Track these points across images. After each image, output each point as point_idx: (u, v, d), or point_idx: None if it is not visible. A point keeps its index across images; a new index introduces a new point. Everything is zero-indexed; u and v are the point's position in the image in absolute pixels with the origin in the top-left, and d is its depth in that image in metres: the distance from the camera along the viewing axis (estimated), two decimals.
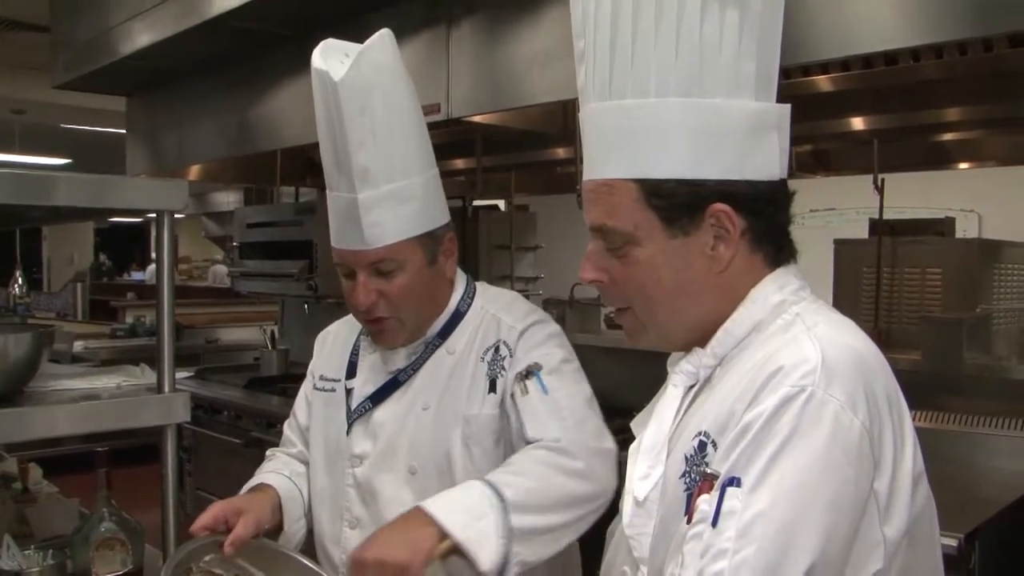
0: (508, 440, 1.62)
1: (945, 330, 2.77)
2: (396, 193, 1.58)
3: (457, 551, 1.36)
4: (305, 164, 5.02)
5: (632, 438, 1.21)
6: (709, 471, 0.99)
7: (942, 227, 3.22)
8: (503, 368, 1.63)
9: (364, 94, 1.54)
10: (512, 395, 1.60)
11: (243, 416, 3.89)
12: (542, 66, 2.57)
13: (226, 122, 4.20)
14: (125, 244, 18.24)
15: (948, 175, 4.72)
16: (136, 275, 15.86)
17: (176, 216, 1.61)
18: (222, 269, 13.08)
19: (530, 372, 1.59)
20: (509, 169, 4.48)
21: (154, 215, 1.57)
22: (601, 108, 1.11)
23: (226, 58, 4.02)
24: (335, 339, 1.87)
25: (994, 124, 3.22)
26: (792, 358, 0.98)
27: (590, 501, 1.50)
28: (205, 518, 1.52)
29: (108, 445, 1.69)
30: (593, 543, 1.44)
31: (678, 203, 1.06)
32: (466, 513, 1.38)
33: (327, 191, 1.65)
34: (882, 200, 3.09)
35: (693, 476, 1.03)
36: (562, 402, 1.57)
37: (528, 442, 1.55)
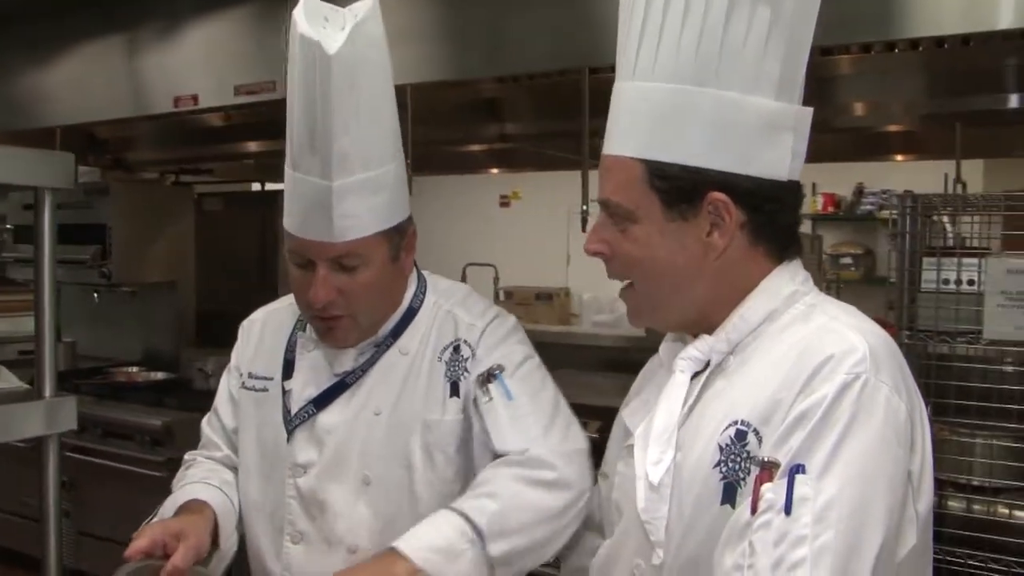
0: (470, 444, 1.54)
1: None
2: (370, 182, 1.46)
3: None
4: (86, 142, 4.65)
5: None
6: (768, 459, 1.01)
7: None
8: (465, 370, 1.54)
9: (355, 71, 1.40)
10: (475, 400, 1.53)
11: None
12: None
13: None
14: None
15: None
16: None
17: None
18: None
19: (492, 375, 1.52)
20: None
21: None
22: (623, 87, 1.14)
23: (5, 20, 3.63)
24: (264, 330, 1.70)
25: None
26: (840, 346, 1.03)
27: (568, 509, 1.44)
28: (142, 541, 1.37)
29: None
30: None
31: (679, 188, 1.09)
32: (444, 553, 1.34)
33: (288, 170, 1.48)
34: None
35: (732, 465, 1.05)
36: (526, 407, 1.50)
37: (496, 455, 1.49)
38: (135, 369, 4.15)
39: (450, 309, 1.61)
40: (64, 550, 3.50)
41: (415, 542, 1.36)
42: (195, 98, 3.09)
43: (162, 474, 3.16)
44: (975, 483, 2.04)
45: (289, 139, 1.48)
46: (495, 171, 5.05)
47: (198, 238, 4.24)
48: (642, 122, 1.11)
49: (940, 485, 2.04)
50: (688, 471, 1.10)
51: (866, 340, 1.04)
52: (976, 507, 2.03)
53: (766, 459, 1.01)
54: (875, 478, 0.98)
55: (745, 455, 1.05)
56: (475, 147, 4.12)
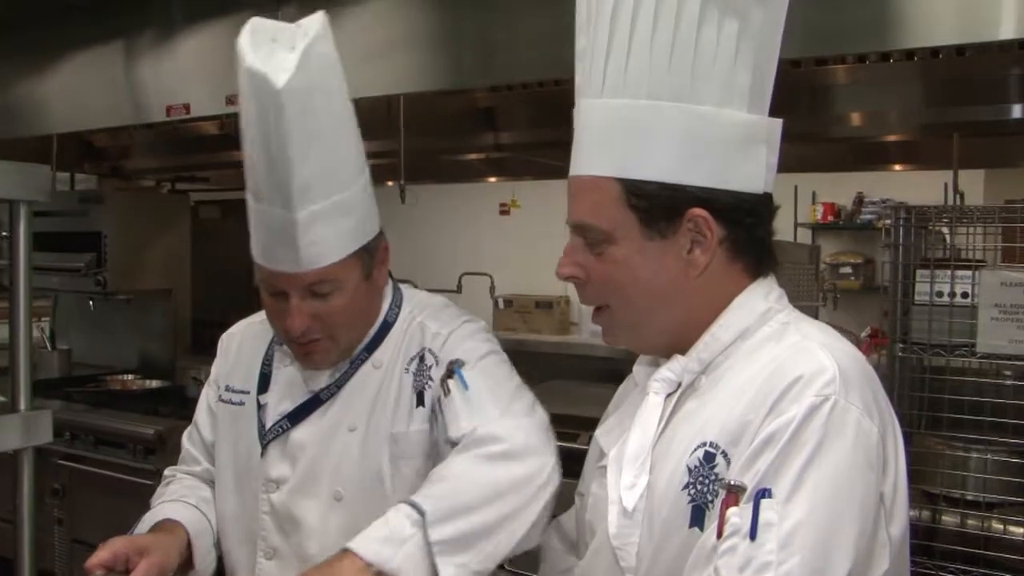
0: (438, 452, 1.51)
1: None
2: (336, 207, 1.43)
3: None
4: (83, 149, 4.65)
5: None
6: (734, 483, 0.99)
7: None
8: (429, 378, 1.52)
9: (308, 100, 1.36)
10: (438, 400, 1.50)
11: None
12: (367, 60, 2.53)
13: None
14: None
15: None
16: None
17: None
18: None
19: (451, 371, 1.49)
20: None
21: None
22: (592, 105, 1.11)
23: (0, 28, 3.63)
24: (242, 344, 1.69)
25: None
26: (809, 367, 1.01)
27: (530, 479, 1.38)
28: (104, 553, 1.36)
29: None
30: None
31: (658, 205, 1.07)
32: (390, 541, 1.30)
33: (251, 201, 1.45)
34: None
35: (700, 487, 1.03)
36: (483, 395, 1.47)
37: (452, 444, 1.44)
38: (130, 377, 4.13)
39: (421, 320, 1.58)
40: (56, 558, 3.49)
41: (363, 538, 1.32)
42: (187, 107, 3.09)
43: (155, 483, 3.12)
44: (969, 498, 2.01)
45: (247, 170, 1.44)
46: (492, 180, 5.04)
47: (194, 246, 4.22)
48: (616, 140, 1.09)
49: (934, 499, 2.02)
50: (658, 492, 1.08)
51: (837, 361, 1.02)
52: (970, 522, 2.00)
53: (732, 483, 1.00)
54: (844, 502, 0.96)
55: (713, 477, 1.03)
56: (471, 156, 4.11)
